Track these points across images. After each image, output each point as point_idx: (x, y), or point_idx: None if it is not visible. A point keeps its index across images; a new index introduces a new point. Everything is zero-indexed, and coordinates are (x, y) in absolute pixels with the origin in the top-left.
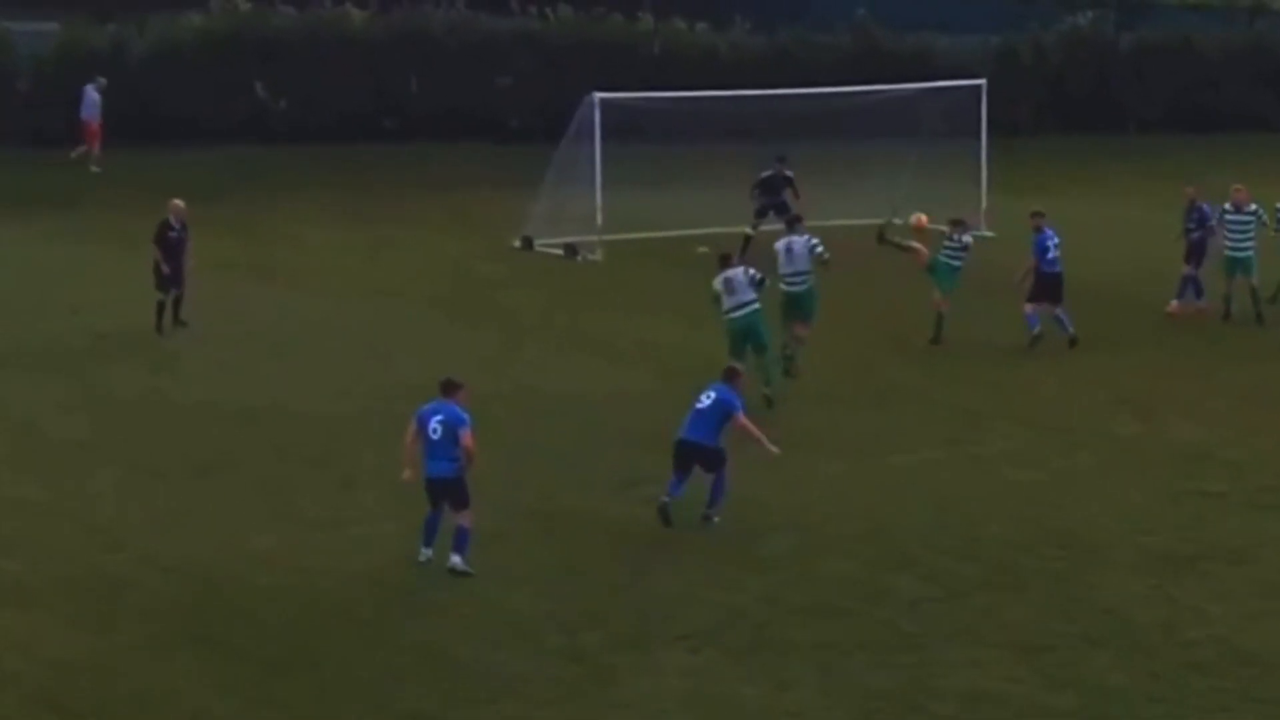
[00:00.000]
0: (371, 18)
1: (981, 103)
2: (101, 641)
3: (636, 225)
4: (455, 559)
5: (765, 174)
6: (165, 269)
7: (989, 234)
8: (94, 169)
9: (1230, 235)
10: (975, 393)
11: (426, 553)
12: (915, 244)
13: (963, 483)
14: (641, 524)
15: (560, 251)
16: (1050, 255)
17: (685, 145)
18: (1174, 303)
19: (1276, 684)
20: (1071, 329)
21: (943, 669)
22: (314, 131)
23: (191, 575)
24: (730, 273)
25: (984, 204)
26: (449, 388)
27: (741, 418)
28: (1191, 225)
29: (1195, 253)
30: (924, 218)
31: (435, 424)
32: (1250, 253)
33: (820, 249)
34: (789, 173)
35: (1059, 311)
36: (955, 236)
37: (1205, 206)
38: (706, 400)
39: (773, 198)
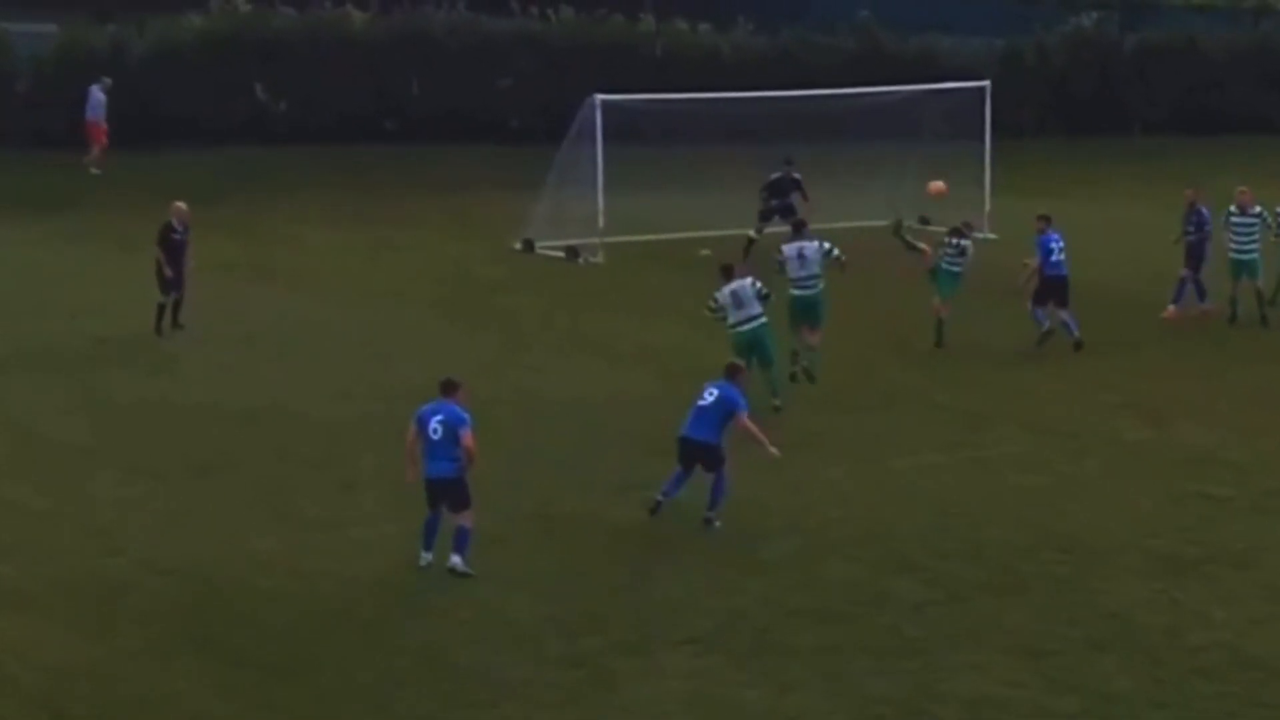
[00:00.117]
0: (372, 19)
1: (985, 104)
2: (101, 646)
3: (638, 227)
4: (455, 560)
5: (773, 176)
6: (168, 272)
7: (992, 236)
8: (93, 171)
9: (1235, 238)
10: (978, 396)
11: (427, 556)
12: (924, 246)
13: (965, 486)
14: (642, 527)
15: (561, 254)
16: (1054, 258)
17: (687, 147)
18: (1170, 308)
19: None
20: (1077, 333)
21: (945, 673)
22: (314, 133)
23: (191, 578)
24: (737, 285)
25: (988, 206)
26: (448, 387)
27: (744, 418)
28: (1190, 228)
29: (1193, 256)
30: (941, 185)
31: (435, 424)
32: (1255, 255)
33: (836, 251)
34: (797, 175)
35: (1065, 315)
36: (954, 241)
37: (1204, 209)
38: (709, 397)
39: (780, 200)
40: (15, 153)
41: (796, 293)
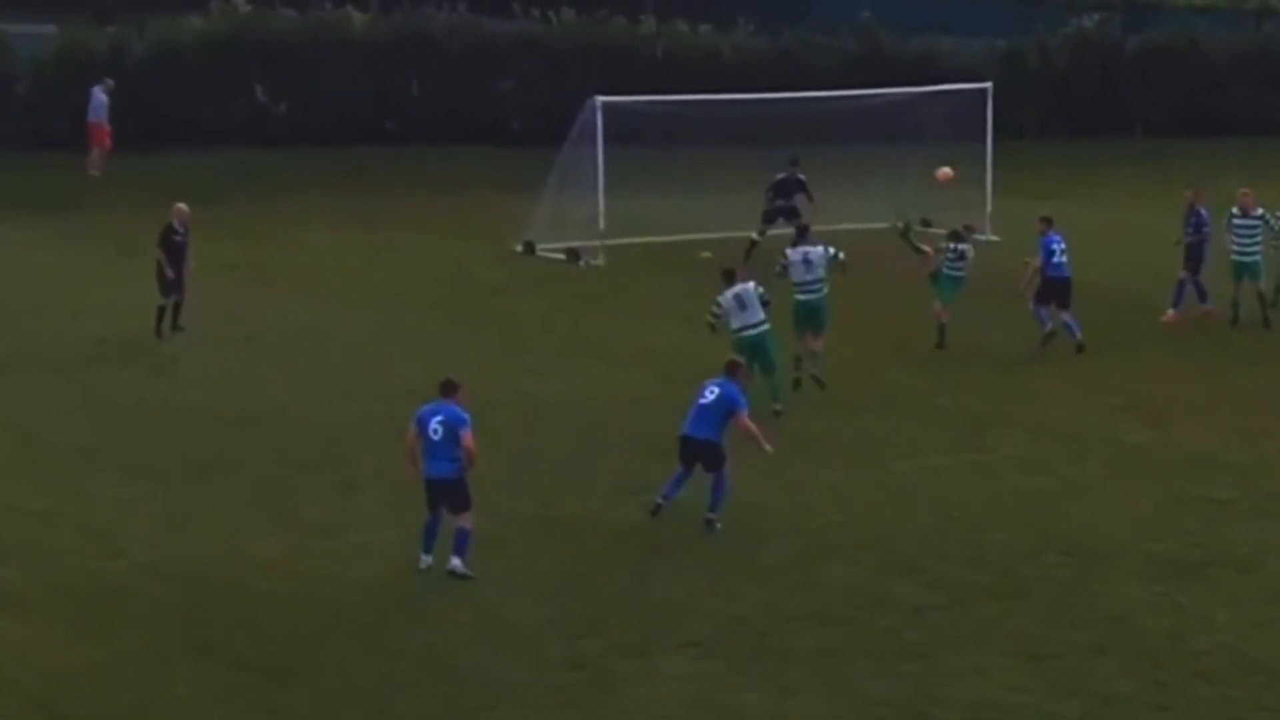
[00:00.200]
0: (372, 20)
1: (987, 106)
2: (101, 650)
3: (639, 229)
4: (455, 562)
5: (779, 176)
6: (170, 273)
7: (994, 238)
8: (92, 172)
9: (1237, 240)
10: (979, 398)
11: (426, 560)
12: (928, 249)
13: (967, 489)
14: (642, 530)
15: (562, 256)
16: (1056, 259)
17: (688, 149)
18: (1170, 311)
19: None
20: (1079, 335)
21: (947, 677)
22: (314, 134)
23: (191, 582)
24: (740, 288)
25: (989, 208)
26: (448, 388)
27: (745, 416)
28: (1189, 229)
29: (1192, 257)
30: (949, 170)
31: (436, 424)
32: (1258, 257)
33: (840, 255)
34: (802, 175)
35: (1067, 317)
36: (953, 247)
37: (1203, 210)
38: (710, 395)
39: (785, 200)
40: (15, 154)
41: (801, 297)
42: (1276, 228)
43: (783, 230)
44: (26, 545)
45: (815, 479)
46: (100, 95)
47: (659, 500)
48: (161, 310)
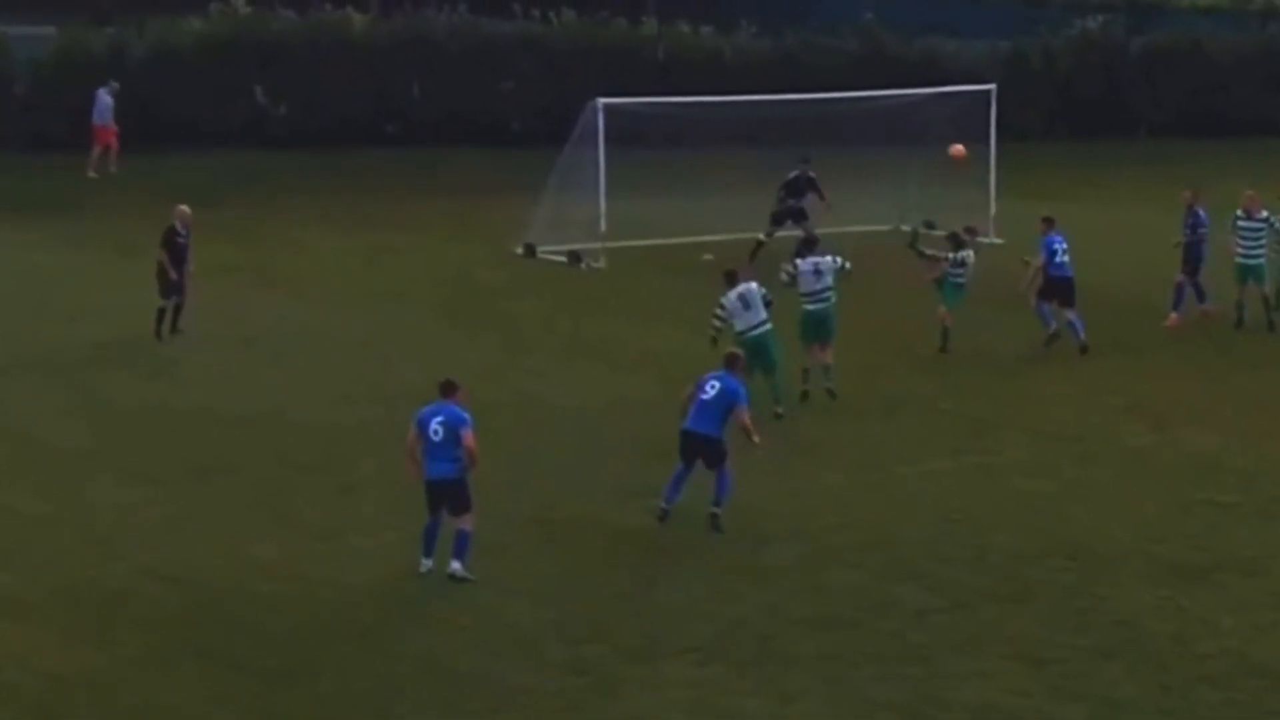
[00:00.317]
0: (373, 22)
1: (991, 108)
2: (100, 653)
3: (640, 232)
4: (455, 565)
5: (790, 174)
6: (172, 275)
7: (998, 241)
8: (91, 174)
9: (1242, 242)
10: (983, 401)
11: (427, 563)
12: (935, 254)
13: (970, 492)
14: (644, 534)
15: (563, 258)
16: (1058, 259)
17: (690, 150)
18: (1172, 315)
19: None
20: (1083, 336)
21: (950, 681)
22: (314, 136)
23: (191, 585)
24: (744, 288)
25: (993, 210)
26: (448, 388)
27: (744, 411)
28: (1187, 230)
29: (1190, 258)
30: (961, 148)
31: (436, 425)
32: (1262, 259)
33: (847, 265)
34: (813, 174)
35: (1072, 316)
36: (954, 254)
37: (1202, 211)
38: (711, 390)
39: (796, 200)
40: (14, 156)
41: (810, 307)
42: None
43: (790, 233)
44: (25, 548)
45: (817, 482)
46: (105, 97)
47: (663, 505)
48: (161, 312)
